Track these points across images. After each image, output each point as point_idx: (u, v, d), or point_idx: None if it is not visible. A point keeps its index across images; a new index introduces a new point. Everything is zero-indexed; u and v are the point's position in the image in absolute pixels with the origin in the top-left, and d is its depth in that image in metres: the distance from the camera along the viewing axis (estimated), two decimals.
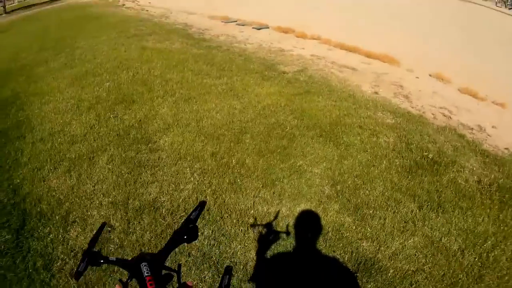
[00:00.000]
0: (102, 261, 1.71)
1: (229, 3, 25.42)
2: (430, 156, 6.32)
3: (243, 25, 17.36)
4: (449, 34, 19.20)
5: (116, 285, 1.61)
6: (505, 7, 34.99)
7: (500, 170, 6.37)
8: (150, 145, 5.98)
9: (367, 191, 5.19)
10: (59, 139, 6.51)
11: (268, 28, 16.70)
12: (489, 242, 4.57)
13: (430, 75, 11.33)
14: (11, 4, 71.20)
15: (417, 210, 4.95)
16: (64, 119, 7.28)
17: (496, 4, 34.46)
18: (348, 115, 7.43)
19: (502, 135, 8.16)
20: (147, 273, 1.67)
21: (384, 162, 5.94)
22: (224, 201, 4.80)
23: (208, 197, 4.83)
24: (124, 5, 29.08)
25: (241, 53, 12.12)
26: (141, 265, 1.70)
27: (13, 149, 6.36)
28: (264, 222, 4.44)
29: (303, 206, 4.78)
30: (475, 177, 5.97)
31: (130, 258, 1.76)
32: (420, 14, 23.94)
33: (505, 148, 7.53)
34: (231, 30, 16.35)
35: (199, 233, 2.42)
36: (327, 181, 5.29)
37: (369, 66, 11.74)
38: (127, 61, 10.52)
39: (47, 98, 8.45)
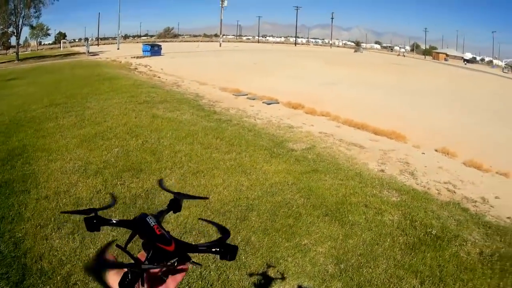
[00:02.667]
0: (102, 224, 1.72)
1: (240, 74, 26.14)
2: (434, 232, 6.38)
3: (253, 99, 18.04)
4: (455, 105, 19.79)
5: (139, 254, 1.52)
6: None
7: (502, 240, 6.43)
8: None
9: (370, 269, 5.21)
10: (64, 200, 6.59)
11: (278, 103, 17.32)
12: None
13: (436, 150, 11.58)
14: (24, 52, 73.45)
15: (419, 286, 4.98)
16: (71, 180, 7.38)
17: (502, 70, 35.31)
18: (354, 194, 7.52)
19: (505, 205, 8.25)
20: (153, 223, 1.71)
21: (388, 240, 6.01)
22: (228, 277, 4.79)
23: (212, 273, 4.84)
24: (136, 69, 30.36)
25: (251, 128, 12.41)
26: (146, 218, 1.72)
27: (16, 202, 6.41)
28: None
29: (306, 285, 4.83)
30: (477, 249, 6.02)
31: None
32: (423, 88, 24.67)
33: (507, 218, 7.61)
34: (242, 103, 16.89)
35: None
36: (331, 260, 5.33)
37: (377, 143, 11.98)
38: (137, 128, 10.77)
39: (55, 155, 8.62)
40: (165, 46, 57.03)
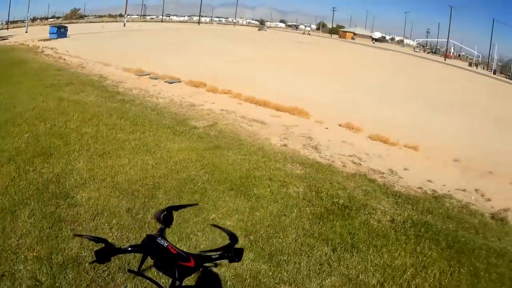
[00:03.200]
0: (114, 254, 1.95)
1: (143, 55, 25.93)
2: (341, 202, 6.55)
3: (156, 78, 17.87)
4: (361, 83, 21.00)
5: None
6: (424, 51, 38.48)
7: (414, 208, 6.82)
8: (68, 200, 5.88)
9: (280, 239, 5.30)
10: None
11: (180, 82, 17.31)
12: (409, 272, 4.82)
13: (340, 125, 12.05)
14: None
15: (331, 253, 5.09)
16: None
17: (414, 49, 37.71)
18: (257, 168, 7.65)
19: (415, 176, 8.81)
20: (166, 243, 1.92)
21: (295, 211, 6.10)
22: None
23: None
24: (43, 52, 29.15)
25: (153, 107, 12.45)
26: (156, 240, 1.95)
27: None
28: None
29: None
30: (388, 217, 6.30)
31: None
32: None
33: (418, 188, 8.11)
34: (144, 83, 16.77)
35: None
36: (240, 232, 5.33)
37: (279, 119, 12.28)
38: (44, 111, 10.37)
39: None
40: (72, 28, 54.60)
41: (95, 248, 1.99)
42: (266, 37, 69.99)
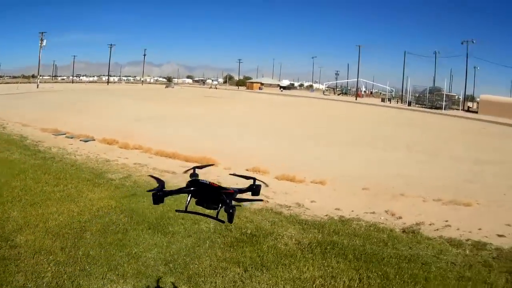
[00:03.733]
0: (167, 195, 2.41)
1: (58, 115, 26.25)
2: (249, 231, 7.31)
3: (71, 137, 18.43)
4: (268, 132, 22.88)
5: None
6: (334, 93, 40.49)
7: (320, 231, 7.64)
8: (9, 242, 6.52)
9: (196, 265, 5.96)
10: None
11: (94, 140, 17.95)
12: (318, 282, 5.54)
13: (247, 170, 12.72)
14: None
15: (243, 272, 5.76)
16: None
17: (323, 93, 39.19)
18: (171, 210, 7.95)
19: (323, 206, 9.59)
20: (207, 181, 2.38)
21: (208, 242, 6.79)
22: (80, 284, 5.41)
23: (65, 282, 5.38)
24: None
25: (73, 163, 13.17)
26: (199, 181, 2.44)
27: None
28: None
29: (144, 282, 5.46)
30: (294, 240, 7.08)
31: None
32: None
33: (325, 215, 8.90)
34: (62, 142, 17.41)
35: None
36: (160, 262, 6.02)
37: None
38: None
39: None
40: None
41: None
42: (174, 94, 70.63)
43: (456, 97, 73.00)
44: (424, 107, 64.07)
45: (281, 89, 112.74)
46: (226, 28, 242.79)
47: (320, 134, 24.11)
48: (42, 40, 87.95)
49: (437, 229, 8.41)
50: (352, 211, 9.52)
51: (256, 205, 9.20)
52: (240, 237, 7.13)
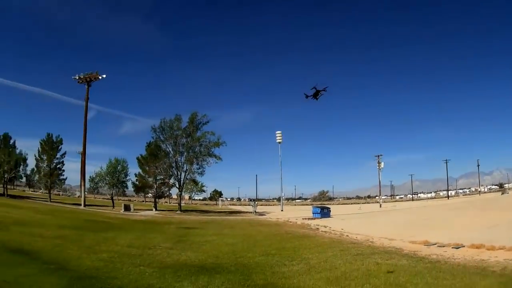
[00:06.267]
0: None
1: (414, 229, 28.63)
2: None
3: (442, 246, 20.00)
4: None
5: None
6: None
7: None
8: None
9: None
10: None
11: (464, 246, 19.37)
12: None
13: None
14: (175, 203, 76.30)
15: None
16: None
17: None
18: None
19: None
20: None
21: None
22: None
23: None
24: (318, 229, 33.08)
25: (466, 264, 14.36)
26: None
27: None
28: None
29: None
30: None
31: None
32: None
33: None
34: (435, 250, 18.83)
35: None
36: None
37: None
38: (345, 279, 11.81)
39: None
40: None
41: None
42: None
43: None
44: None
45: None
46: None
47: None
48: (379, 162, 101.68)
49: None
50: None
51: None
52: None
